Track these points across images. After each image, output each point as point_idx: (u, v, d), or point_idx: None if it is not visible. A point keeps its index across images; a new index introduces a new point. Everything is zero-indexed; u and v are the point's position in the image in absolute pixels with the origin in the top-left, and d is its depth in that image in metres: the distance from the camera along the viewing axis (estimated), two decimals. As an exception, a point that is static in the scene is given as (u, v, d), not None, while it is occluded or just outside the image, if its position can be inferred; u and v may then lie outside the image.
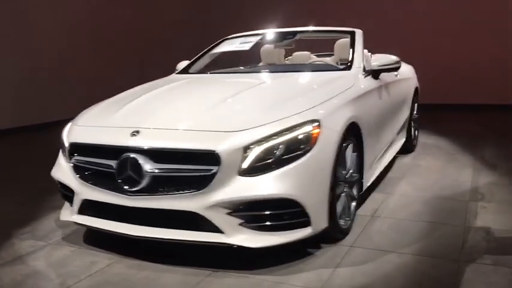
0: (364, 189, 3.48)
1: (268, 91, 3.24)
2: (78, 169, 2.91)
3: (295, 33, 4.42)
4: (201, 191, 2.52)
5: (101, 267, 2.77)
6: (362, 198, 3.78)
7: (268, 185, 2.52)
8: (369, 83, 3.73)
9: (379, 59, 3.83)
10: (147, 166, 2.60)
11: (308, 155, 2.62)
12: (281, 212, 2.58)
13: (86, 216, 2.93)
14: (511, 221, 3.30)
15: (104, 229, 2.83)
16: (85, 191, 2.87)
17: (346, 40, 4.51)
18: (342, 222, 3.02)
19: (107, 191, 2.75)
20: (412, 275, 2.60)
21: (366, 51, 4.58)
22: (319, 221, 2.70)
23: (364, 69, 3.77)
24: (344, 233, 3.04)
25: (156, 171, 2.60)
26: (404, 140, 5.11)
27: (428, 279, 2.55)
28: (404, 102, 4.97)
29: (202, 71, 4.34)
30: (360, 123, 3.21)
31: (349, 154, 3.08)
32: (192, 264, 2.73)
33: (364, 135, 3.30)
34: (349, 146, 3.08)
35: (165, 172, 2.59)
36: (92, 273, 2.69)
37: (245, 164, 2.53)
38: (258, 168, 2.55)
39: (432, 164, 4.97)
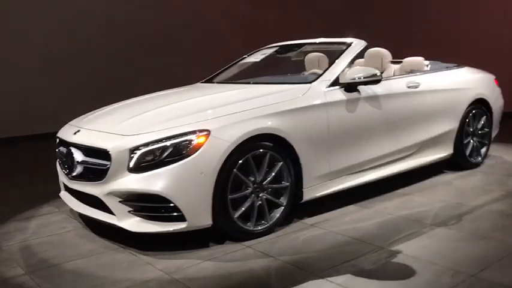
0: (305, 199, 3.60)
1: (198, 102, 3.65)
2: (59, 157, 3.85)
3: (301, 45, 4.62)
4: (101, 181, 3.17)
5: (59, 232, 3.63)
6: (331, 208, 3.87)
7: (144, 182, 3.03)
8: (337, 96, 3.76)
9: (355, 72, 3.80)
10: (78, 157, 3.37)
11: (187, 159, 3.03)
12: (157, 205, 3.06)
13: (65, 192, 3.84)
14: (436, 249, 3.09)
15: (66, 203, 3.71)
16: (61, 174, 3.79)
17: (375, 50, 4.58)
18: (249, 224, 3.30)
19: (64, 174, 3.62)
20: (256, 277, 2.81)
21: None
22: (198, 218, 3.08)
23: (336, 82, 3.82)
24: (249, 233, 3.30)
25: (82, 162, 3.35)
26: (443, 155, 4.76)
27: (262, 283, 2.75)
28: (441, 114, 4.63)
29: (224, 80, 4.82)
30: (288, 135, 3.39)
31: (266, 162, 3.32)
32: (118, 240, 3.35)
33: (297, 147, 3.45)
34: (267, 155, 3.32)
35: (85, 164, 3.33)
36: (50, 235, 3.59)
37: (131, 163, 3.09)
38: (143, 167, 3.07)
39: (467, 185, 4.52)
